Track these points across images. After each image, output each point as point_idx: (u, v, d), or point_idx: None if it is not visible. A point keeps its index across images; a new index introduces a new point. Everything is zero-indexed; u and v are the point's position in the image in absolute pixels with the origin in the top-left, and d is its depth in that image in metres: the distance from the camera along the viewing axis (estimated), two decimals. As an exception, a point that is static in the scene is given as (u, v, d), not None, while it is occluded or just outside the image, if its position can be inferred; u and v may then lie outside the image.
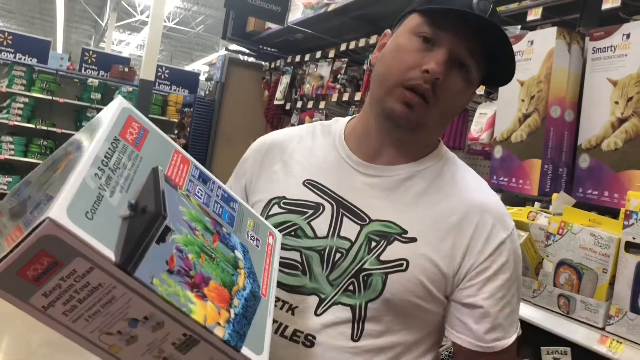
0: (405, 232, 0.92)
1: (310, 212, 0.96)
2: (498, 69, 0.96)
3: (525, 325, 1.55)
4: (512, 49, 0.94)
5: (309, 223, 0.96)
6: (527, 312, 1.58)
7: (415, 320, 0.94)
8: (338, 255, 0.93)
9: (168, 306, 0.63)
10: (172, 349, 0.66)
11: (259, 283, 0.81)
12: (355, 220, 0.94)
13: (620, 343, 1.36)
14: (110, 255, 0.59)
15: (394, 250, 0.91)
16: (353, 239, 0.93)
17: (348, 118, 1.08)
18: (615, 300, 1.42)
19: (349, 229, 0.94)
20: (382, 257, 0.91)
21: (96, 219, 0.60)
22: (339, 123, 1.07)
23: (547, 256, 1.60)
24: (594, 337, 1.42)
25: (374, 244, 0.92)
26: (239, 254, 0.79)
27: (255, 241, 0.86)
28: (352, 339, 0.91)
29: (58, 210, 0.56)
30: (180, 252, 0.68)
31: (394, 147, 0.98)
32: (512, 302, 0.94)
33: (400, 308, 0.91)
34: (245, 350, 0.69)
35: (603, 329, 1.44)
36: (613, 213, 1.71)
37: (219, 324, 0.67)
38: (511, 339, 0.93)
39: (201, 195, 0.80)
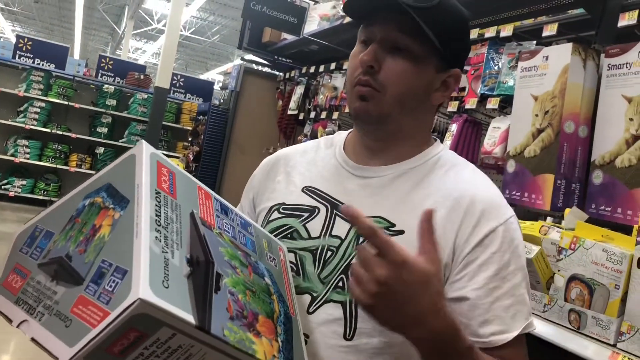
0: (393, 225, 0.93)
1: (306, 215, 1.00)
2: (447, 44, 0.95)
3: (535, 340, 1.54)
4: (441, 24, 0.92)
5: (304, 225, 0.99)
6: (537, 326, 1.57)
7: None
8: (329, 253, 0.95)
9: (238, 352, 0.67)
10: None
11: (287, 303, 0.84)
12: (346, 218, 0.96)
13: (632, 360, 1.35)
14: (191, 319, 0.61)
15: None
16: (343, 237, 0.95)
17: (350, 130, 1.12)
18: (627, 317, 1.41)
19: (340, 227, 0.96)
20: None
21: (171, 286, 0.61)
22: (341, 135, 1.12)
23: (559, 271, 1.59)
24: (605, 353, 1.41)
25: (361, 239, 0.92)
26: (268, 280, 0.82)
27: (273, 261, 0.89)
28: (345, 338, 0.91)
29: (144, 289, 0.58)
30: (232, 295, 0.70)
31: (379, 149, 1.01)
32: (514, 293, 0.89)
33: None
34: None
35: (614, 345, 1.43)
36: (626, 230, 1.71)
37: (274, 356, 0.72)
38: (513, 334, 0.87)
39: (228, 228, 0.82)
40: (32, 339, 0.63)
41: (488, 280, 0.89)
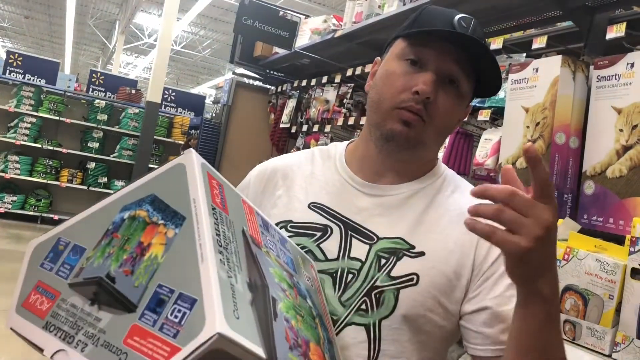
0: (413, 247, 0.94)
1: (319, 234, 0.97)
2: (486, 80, 1.00)
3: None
4: (495, 61, 0.98)
5: (318, 246, 0.96)
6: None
7: (428, 338, 0.93)
8: (350, 276, 0.93)
9: None
10: None
11: (326, 325, 0.80)
12: (364, 240, 0.96)
13: (627, 370, 1.35)
14: (262, 353, 0.56)
15: (404, 266, 0.92)
16: (363, 259, 0.94)
17: (346, 142, 1.11)
18: (622, 327, 1.42)
19: (359, 249, 0.95)
20: (393, 273, 0.92)
21: (240, 316, 0.56)
22: (338, 147, 1.10)
23: (553, 282, 1.60)
24: (600, 363, 1.41)
25: (383, 261, 0.93)
26: (309, 301, 0.78)
27: (309, 280, 0.84)
28: None
29: (221, 322, 0.53)
30: (287, 322, 0.66)
31: (395, 168, 1.01)
32: None
33: (414, 325, 0.91)
34: None
35: (609, 355, 1.43)
36: (618, 240, 1.72)
37: None
38: None
39: (272, 246, 0.76)
40: None
41: (505, 289, 0.92)
